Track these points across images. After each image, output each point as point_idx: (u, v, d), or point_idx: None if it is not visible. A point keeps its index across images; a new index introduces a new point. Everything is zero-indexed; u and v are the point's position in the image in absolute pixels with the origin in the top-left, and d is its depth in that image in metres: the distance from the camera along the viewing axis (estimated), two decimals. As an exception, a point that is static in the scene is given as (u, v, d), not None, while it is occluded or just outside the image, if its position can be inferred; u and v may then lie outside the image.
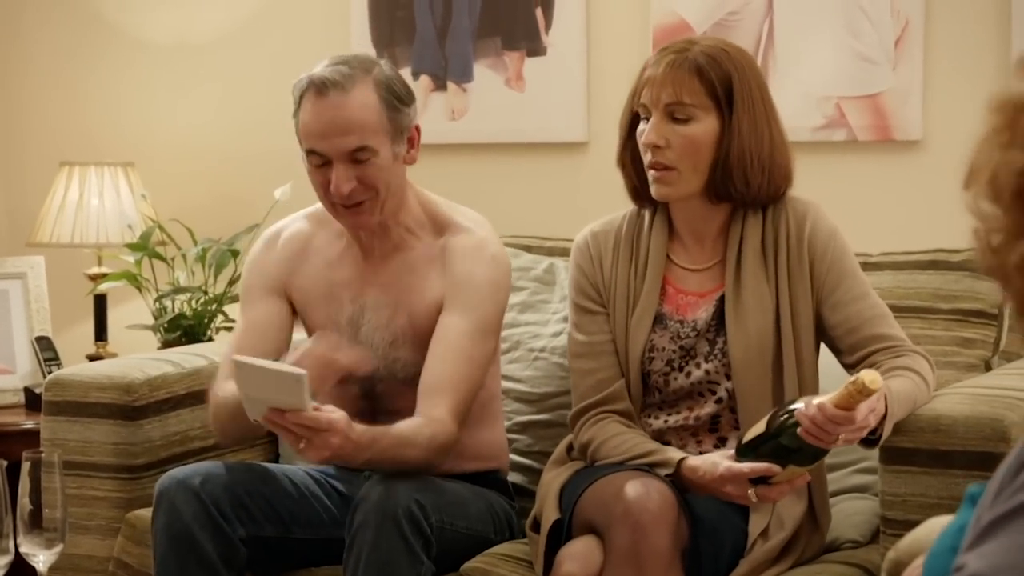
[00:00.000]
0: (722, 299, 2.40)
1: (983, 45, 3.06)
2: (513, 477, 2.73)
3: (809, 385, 2.36)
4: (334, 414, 2.21)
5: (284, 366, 2.21)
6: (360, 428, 2.27)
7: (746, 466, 2.18)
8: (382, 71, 2.48)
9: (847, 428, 2.08)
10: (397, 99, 2.47)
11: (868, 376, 2.03)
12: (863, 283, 2.39)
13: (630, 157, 2.42)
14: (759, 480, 2.18)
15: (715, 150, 2.34)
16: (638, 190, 2.43)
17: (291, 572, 2.52)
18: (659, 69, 2.35)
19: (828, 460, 2.53)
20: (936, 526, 1.32)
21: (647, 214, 2.48)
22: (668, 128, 2.34)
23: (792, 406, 2.14)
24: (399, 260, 2.55)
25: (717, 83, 2.33)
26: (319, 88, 2.43)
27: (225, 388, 2.45)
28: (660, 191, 2.38)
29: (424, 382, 2.43)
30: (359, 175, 2.43)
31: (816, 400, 2.10)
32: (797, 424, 2.11)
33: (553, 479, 2.43)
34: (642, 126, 2.37)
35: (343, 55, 2.57)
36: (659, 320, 2.42)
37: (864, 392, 2.03)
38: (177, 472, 2.42)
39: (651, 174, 2.37)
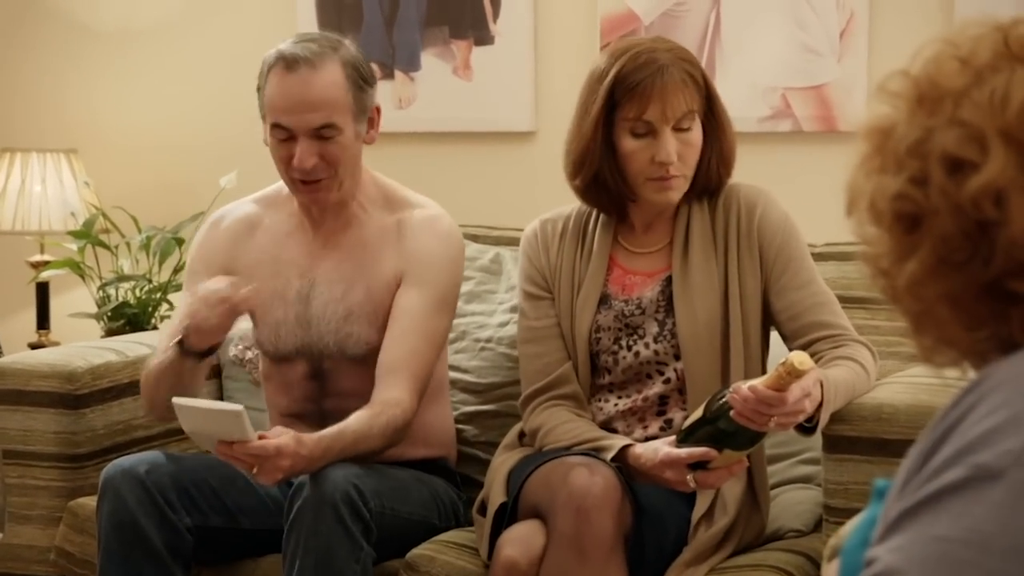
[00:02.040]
0: (669, 280, 2.41)
1: (927, 36, 3.08)
2: (459, 467, 2.73)
3: (756, 368, 2.37)
4: (281, 439, 2.23)
5: (221, 404, 2.28)
6: (311, 441, 2.28)
7: (683, 451, 2.20)
8: (348, 50, 2.50)
9: (779, 410, 2.10)
10: (362, 79, 2.50)
11: (797, 357, 2.05)
12: (810, 270, 2.41)
13: (609, 170, 2.36)
14: (699, 466, 2.20)
15: (701, 150, 2.37)
16: (606, 198, 2.40)
17: (238, 562, 2.51)
18: (657, 81, 2.30)
19: (771, 451, 2.56)
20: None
21: None
22: (676, 141, 2.34)
23: (727, 390, 2.16)
24: (352, 236, 2.56)
25: (704, 84, 2.36)
26: (288, 63, 2.44)
27: (153, 361, 2.48)
28: (673, 196, 2.38)
29: (382, 362, 2.45)
30: (322, 152, 2.45)
31: (749, 383, 2.12)
32: (731, 407, 2.12)
33: (502, 463, 2.44)
34: (634, 142, 2.34)
35: (310, 33, 2.59)
36: (604, 301, 2.44)
37: (794, 373, 2.05)
38: (122, 461, 2.41)
39: (657, 184, 2.36)
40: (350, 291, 2.53)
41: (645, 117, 2.32)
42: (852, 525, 1.56)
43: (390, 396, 2.40)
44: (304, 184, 2.48)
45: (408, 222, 2.54)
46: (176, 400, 2.28)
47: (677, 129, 2.34)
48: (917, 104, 1.01)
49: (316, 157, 2.44)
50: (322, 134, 2.44)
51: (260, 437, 2.23)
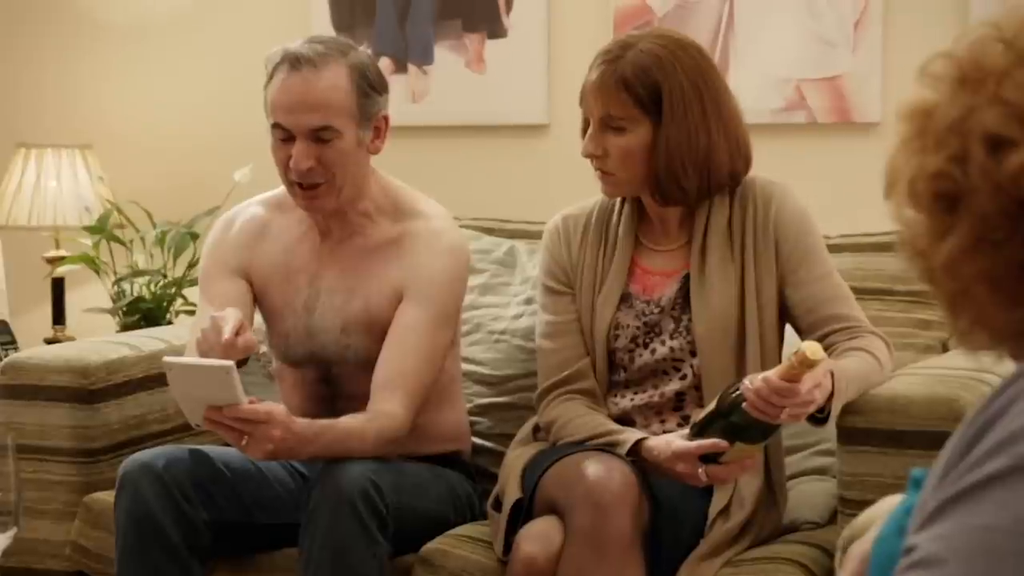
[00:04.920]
0: (687, 278, 2.41)
1: (942, 28, 3.07)
2: (474, 459, 2.73)
3: (772, 364, 2.36)
4: (273, 407, 2.22)
5: (211, 360, 2.22)
6: (303, 422, 2.28)
7: (694, 444, 2.19)
8: (358, 56, 2.48)
9: (791, 401, 2.09)
10: (369, 85, 2.47)
11: (810, 348, 2.05)
12: (825, 263, 2.40)
13: None
14: (712, 460, 2.19)
15: (649, 158, 2.35)
16: None
17: (254, 555, 2.52)
18: (591, 80, 2.36)
19: (786, 442, 2.55)
20: (890, 505, 1.34)
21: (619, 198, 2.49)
22: (604, 138, 2.37)
23: (740, 383, 2.15)
24: (357, 245, 2.54)
25: (645, 95, 2.33)
26: (292, 62, 2.43)
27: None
28: (606, 190, 2.43)
29: (378, 375, 2.43)
30: (319, 155, 2.43)
31: (761, 375, 2.11)
32: (744, 399, 2.12)
33: (516, 459, 2.44)
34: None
35: (321, 36, 2.57)
36: (625, 299, 2.44)
37: (806, 363, 2.05)
38: (140, 456, 2.41)
39: (596, 173, 2.41)
40: (349, 303, 2.51)
41: (582, 108, 2.40)
42: (867, 516, 1.56)
43: (384, 408, 2.39)
44: (302, 188, 2.45)
45: (412, 235, 2.51)
46: (166, 359, 2.25)
47: (609, 127, 2.36)
48: (959, 84, 1.00)
49: (313, 160, 2.41)
50: (320, 136, 2.42)
51: (251, 402, 2.21)
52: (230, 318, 2.29)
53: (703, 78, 2.35)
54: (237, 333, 2.27)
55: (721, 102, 2.37)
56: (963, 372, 2.31)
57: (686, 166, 2.34)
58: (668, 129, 2.33)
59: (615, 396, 2.45)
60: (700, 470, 2.20)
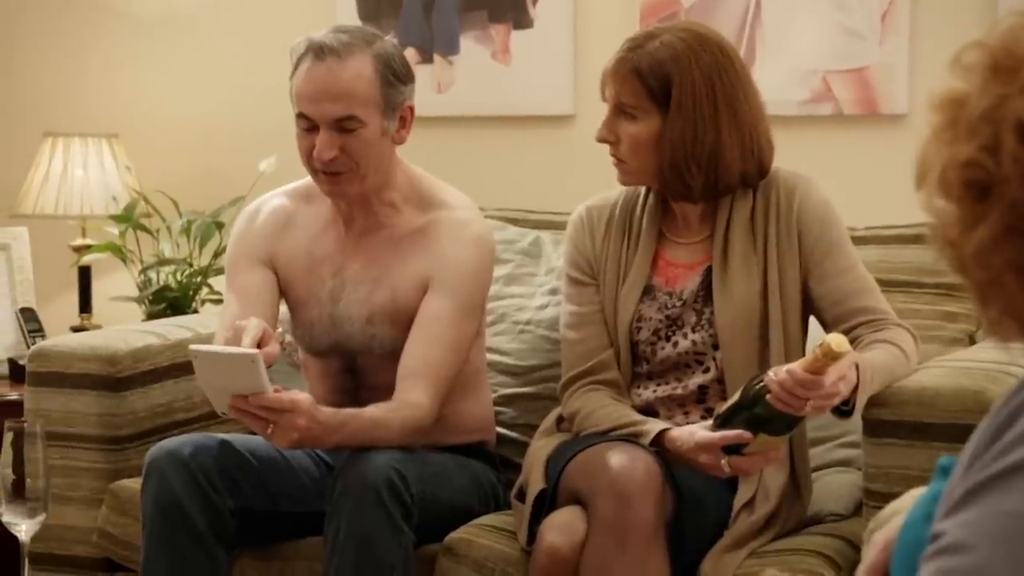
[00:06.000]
0: (709, 270, 2.41)
1: (969, 19, 3.06)
2: (498, 449, 2.74)
3: (796, 357, 2.36)
4: (298, 395, 2.23)
5: (237, 349, 2.23)
6: (328, 411, 2.28)
7: (717, 435, 2.19)
8: (383, 46, 2.48)
9: (816, 393, 2.09)
10: (394, 75, 2.47)
11: (835, 340, 2.05)
12: (850, 255, 2.39)
13: None
14: (735, 451, 2.19)
15: (658, 150, 2.35)
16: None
17: (279, 544, 2.53)
18: (609, 65, 2.38)
19: (811, 434, 2.55)
20: (915, 497, 1.34)
21: (643, 188, 2.49)
22: (617, 124, 2.38)
23: (764, 374, 2.15)
24: (382, 236, 2.54)
25: (656, 87, 2.33)
26: (316, 52, 2.43)
27: None
28: (620, 178, 2.44)
29: (404, 364, 2.44)
30: (343, 144, 2.43)
31: (786, 367, 2.11)
32: (768, 391, 2.12)
33: (540, 449, 2.44)
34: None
35: (347, 25, 2.58)
36: (648, 291, 2.44)
37: (831, 355, 2.04)
38: (167, 443, 2.42)
39: (612, 160, 2.41)
40: (375, 293, 2.52)
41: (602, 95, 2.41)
42: (892, 509, 1.56)
43: (409, 398, 2.40)
44: (325, 175, 2.46)
45: (438, 225, 2.51)
46: (192, 347, 2.27)
47: (623, 113, 2.37)
48: (992, 73, 1.00)
49: (336, 149, 2.42)
50: (344, 126, 2.42)
51: (276, 391, 2.22)
52: (251, 329, 2.29)
53: (720, 76, 2.34)
54: (259, 345, 2.27)
55: (737, 101, 2.35)
56: (990, 364, 2.30)
57: (689, 163, 2.34)
58: (673, 123, 2.33)
59: (638, 388, 2.46)
60: (723, 461, 2.20)
